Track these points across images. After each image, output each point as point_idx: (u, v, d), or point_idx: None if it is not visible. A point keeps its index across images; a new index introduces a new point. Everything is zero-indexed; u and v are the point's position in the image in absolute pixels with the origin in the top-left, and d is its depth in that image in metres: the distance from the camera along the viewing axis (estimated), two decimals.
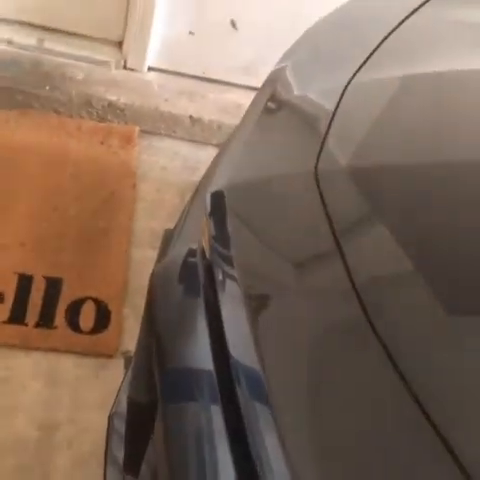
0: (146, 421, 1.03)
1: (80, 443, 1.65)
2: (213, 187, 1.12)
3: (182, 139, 2.65)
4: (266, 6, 2.63)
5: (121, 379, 1.39)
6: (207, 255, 1.03)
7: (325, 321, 0.86)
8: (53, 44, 2.66)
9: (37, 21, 2.67)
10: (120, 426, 1.27)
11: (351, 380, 0.79)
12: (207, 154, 2.55)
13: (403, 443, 0.71)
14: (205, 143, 2.66)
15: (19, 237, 2.04)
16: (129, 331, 1.86)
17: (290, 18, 2.59)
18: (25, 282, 1.92)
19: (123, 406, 1.25)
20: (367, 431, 0.75)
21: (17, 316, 1.84)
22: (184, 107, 2.65)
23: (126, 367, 1.45)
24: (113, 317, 1.90)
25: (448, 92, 1.14)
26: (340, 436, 0.75)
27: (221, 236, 1.01)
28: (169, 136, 2.64)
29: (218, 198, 1.07)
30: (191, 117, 2.62)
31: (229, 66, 2.76)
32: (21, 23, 2.67)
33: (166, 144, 2.61)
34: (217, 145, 2.53)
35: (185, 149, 2.62)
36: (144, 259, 2.07)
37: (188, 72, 2.78)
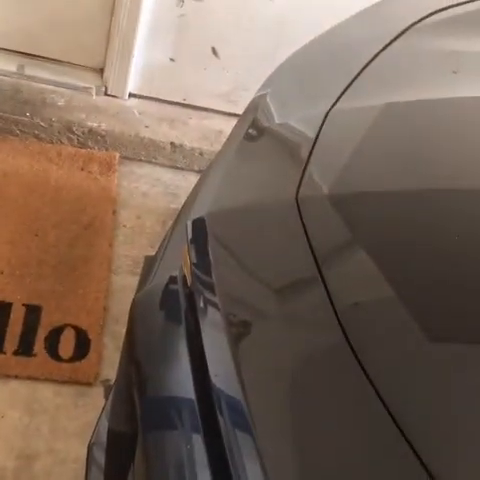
0: (126, 451, 1.02)
1: (59, 473, 1.62)
2: (194, 214, 1.12)
3: (163, 165, 2.65)
4: (247, 33, 2.65)
5: (101, 408, 1.37)
6: (188, 282, 1.02)
7: (306, 348, 0.85)
8: (34, 70, 2.66)
9: (18, 47, 2.68)
10: (99, 456, 1.25)
11: (333, 407, 0.78)
12: (188, 181, 2.55)
13: (386, 469, 0.71)
14: (186, 169, 2.66)
15: None
16: (109, 359, 1.85)
17: (271, 46, 2.62)
18: (4, 309, 1.90)
19: (102, 436, 1.23)
20: (350, 458, 0.74)
21: None
22: (165, 134, 2.66)
23: (106, 396, 1.43)
24: (93, 345, 1.88)
25: (428, 119, 1.15)
26: (322, 463, 0.75)
27: (202, 263, 1.01)
28: (150, 162, 2.64)
29: (199, 225, 1.07)
30: (172, 143, 2.62)
31: (210, 93, 2.78)
32: (2, 49, 2.67)
33: (147, 170, 2.61)
34: (199, 171, 2.53)
35: (166, 176, 2.62)
36: (124, 286, 2.06)
37: (169, 99, 2.79)
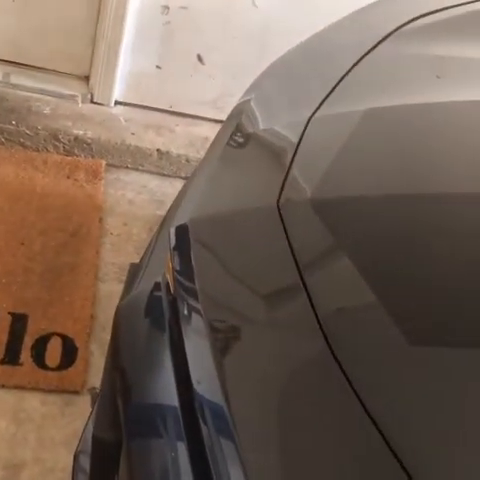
0: (111, 459, 1.02)
1: None
2: (177, 221, 1.12)
3: (149, 173, 2.65)
4: (232, 41, 2.66)
5: (87, 416, 1.37)
6: (171, 289, 1.02)
7: (289, 354, 0.85)
8: (19, 78, 2.65)
9: (3, 56, 2.67)
10: (86, 464, 1.25)
11: (316, 414, 0.78)
12: (175, 188, 2.55)
13: (368, 475, 0.71)
14: (173, 176, 2.66)
15: None
16: (96, 367, 1.84)
17: (257, 52, 2.62)
18: None
19: (89, 444, 1.23)
20: (332, 465, 0.74)
21: None
22: (151, 141, 2.65)
23: (92, 404, 1.43)
24: (79, 353, 1.87)
25: (410, 125, 1.15)
26: (305, 471, 0.75)
27: (185, 270, 1.01)
28: (136, 170, 2.64)
29: (182, 232, 1.07)
30: (159, 150, 2.62)
31: (196, 100, 2.78)
32: None
33: (133, 178, 2.61)
34: (185, 178, 2.53)
35: (152, 183, 2.62)
36: (111, 294, 2.05)
37: (155, 106, 2.79)
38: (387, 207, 0.97)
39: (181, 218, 1.13)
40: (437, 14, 1.42)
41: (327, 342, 0.80)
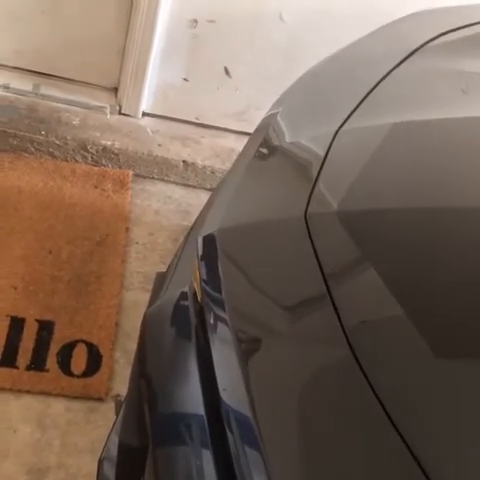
0: (136, 465, 1.02)
1: None
2: (205, 231, 1.14)
3: (175, 183, 2.67)
4: (259, 53, 2.67)
5: (112, 423, 1.38)
6: (199, 298, 1.03)
7: (315, 365, 0.86)
8: (49, 89, 2.69)
9: (33, 67, 2.71)
10: (110, 471, 1.26)
11: (341, 425, 0.79)
12: (200, 198, 2.56)
13: None
14: (198, 187, 2.68)
15: (12, 280, 2.04)
16: (120, 375, 1.86)
17: (283, 65, 2.64)
18: (17, 325, 1.91)
19: (113, 451, 1.24)
20: (357, 476, 0.75)
21: (8, 359, 1.83)
22: (177, 152, 2.68)
23: (117, 411, 1.44)
24: (104, 360, 1.89)
25: (437, 139, 1.16)
26: None
27: (212, 279, 1.02)
28: (162, 180, 2.66)
29: (209, 242, 1.08)
30: (184, 162, 2.64)
31: (222, 112, 2.80)
32: (18, 69, 2.71)
33: (159, 188, 2.63)
34: (210, 189, 2.55)
35: (178, 193, 2.64)
36: (136, 303, 2.07)
37: (182, 117, 2.81)
38: (413, 220, 0.97)
39: (209, 228, 1.14)
40: (464, 30, 1.43)
41: (353, 353, 0.81)
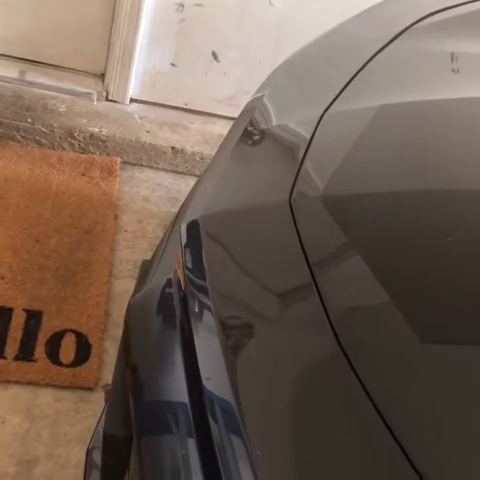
0: (122, 455, 1.02)
1: (59, 479, 1.62)
2: (188, 217, 1.12)
3: (164, 170, 2.65)
4: (247, 38, 2.65)
5: (101, 413, 1.37)
6: (182, 286, 1.02)
7: (300, 353, 0.85)
8: (35, 76, 2.67)
9: (19, 54, 2.69)
10: (98, 460, 1.25)
11: (325, 412, 0.78)
12: (189, 185, 2.53)
13: (378, 475, 0.71)
14: (188, 174, 2.66)
15: None
16: (110, 364, 1.84)
17: (271, 50, 2.62)
18: (4, 315, 1.89)
19: (101, 440, 1.23)
20: (342, 463, 0.74)
21: None
22: (166, 138, 2.66)
23: (106, 401, 1.43)
24: (93, 350, 1.88)
25: (424, 121, 1.15)
26: (314, 468, 0.74)
27: (196, 266, 1.00)
28: (151, 167, 2.64)
29: (193, 228, 1.06)
30: (173, 148, 2.62)
31: (211, 97, 2.78)
32: (3, 56, 2.68)
33: (148, 175, 2.61)
34: (199, 176, 2.53)
35: (167, 180, 2.62)
36: (125, 291, 2.06)
37: (170, 103, 2.79)
38: (399, 204, 0.96)
39: (193, 214, 1.13)
40: (452, 10, 1.41)
41: (337, 340, 0.80)
